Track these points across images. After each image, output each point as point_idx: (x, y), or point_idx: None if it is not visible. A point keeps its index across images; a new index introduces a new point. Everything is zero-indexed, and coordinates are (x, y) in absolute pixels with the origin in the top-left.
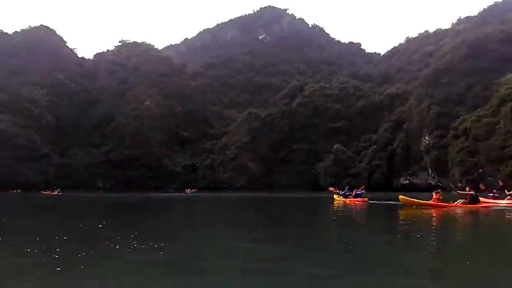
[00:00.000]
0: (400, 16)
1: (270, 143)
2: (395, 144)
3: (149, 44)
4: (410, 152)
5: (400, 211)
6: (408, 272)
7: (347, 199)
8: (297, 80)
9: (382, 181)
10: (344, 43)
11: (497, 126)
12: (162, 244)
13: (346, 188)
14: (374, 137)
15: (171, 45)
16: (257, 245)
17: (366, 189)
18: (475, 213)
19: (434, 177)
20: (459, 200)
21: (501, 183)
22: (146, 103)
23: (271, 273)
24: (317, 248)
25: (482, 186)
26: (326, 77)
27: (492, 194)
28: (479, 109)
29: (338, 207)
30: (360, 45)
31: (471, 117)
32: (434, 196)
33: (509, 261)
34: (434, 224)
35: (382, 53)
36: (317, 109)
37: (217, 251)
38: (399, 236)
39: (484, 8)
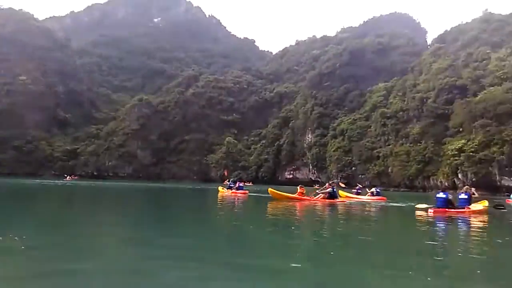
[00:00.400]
0: (291, 19)
1: (161, 132)
2: (282, 140)
3: (28, 13)
4: (295, 148)
5: (269, 203)
6: (281, 257)
7: (230, 191)
8: (192, 69)
9: (269, 174)
10: (239, 38)
11: (368, 129)
12: (24, 236)
13: (230, 181)
14: (264, 132)
15: (54, 16)
16: (138, 237)
17: (253, 181)
18: (332, 206)
19: (314, 173)
20: (320, 195)
21: (342, 185)
22: (21, 78)
23: (153, 263)
24: (202, 237)
25: (341, 184)
26: (220, 70)
27: (355, 190)
28: (354, 113)
29: (222, 198)
30: (254, 41)
31: (347, 120)
32: (298, 190)
33: (367, 255)
34: (298, 215)
35: (274, 52)
36: (211, 100)
37: (91, 245)
38: (276, 228)
39: (364, 21)
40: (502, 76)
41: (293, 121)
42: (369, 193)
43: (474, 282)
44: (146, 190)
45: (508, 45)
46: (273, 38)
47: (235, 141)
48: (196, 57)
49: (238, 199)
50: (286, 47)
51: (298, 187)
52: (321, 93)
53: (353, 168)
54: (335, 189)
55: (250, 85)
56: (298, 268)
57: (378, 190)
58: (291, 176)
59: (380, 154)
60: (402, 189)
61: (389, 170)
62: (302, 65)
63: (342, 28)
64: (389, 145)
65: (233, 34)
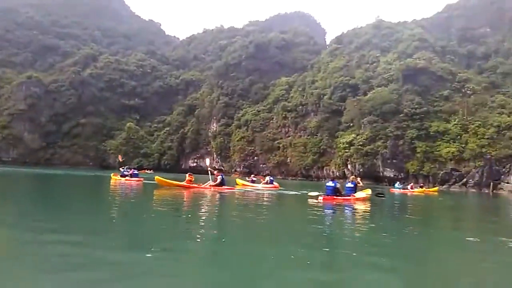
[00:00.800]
0: (200, 6)
1: (53, 114)
2: (186, 128)
3: None
4: (200, 136)
5: (156, 191)
6: (173, 244)
7: (124, 179)
8: (91, 48)
9: (172, 162)
10: (144, 19)
11: (271, 121)
12: None
13: (125, 168)
14: (168, 119)
15: None
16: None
17: (154, 169)
18: (221, 193)
19: (218, 161)
20: (208, 182)
21: (236, 175)
22: None
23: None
24: (93, 227)
25: (235, 174)
26: (122, 51)
27: (250, 179)
28: (258, 104)
29: (115, 186)
30: (160, 25)
31: (252, 111)
32: (187, 178)
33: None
34: (186, 202)
35: (181, 38)
36: (111, 83)
37: None
38: (165, 216)
39: (270, 16)
40: (388, 78)
41: (198, 109)
42: (264, 182)
43: (351, 263)
44: (29, 176)
45: (395, 51)
46: (180, 24)
47: (137, 127)
48: (95, 36)
49: (132, 186)
50: (193, 34)
51: (187, 175)
52: (227, 83)
53: (255, 158)
54: (223, 177)
55: (155, 70)
56: (190, 257)
57: (271, 178)
58: (195, 164)
59: (281, 145)
60: (299, 178)
61: (288, 160)
62: (209, 54)
63: (249, 21)
64: (289, 136)
65: (137, 15)
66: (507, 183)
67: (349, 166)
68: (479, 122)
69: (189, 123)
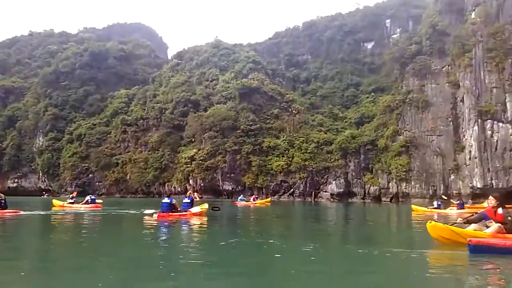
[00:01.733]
0: (24, 6)
1: None
2: (5, 143)
3: None
4: (22, 152)
5: None
6: None
7: None
8: None
9: None
10: None
11: (108, 136)
12: None
13: None
14: None
15: None
16: None
17: None
18: (1, 218)
19: (45, 181)
20: None
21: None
22: None
23: None
24: None
25: (71, 197)
26: None
27: (71, 200)
28: (94, 117)
29: None
30: None
31: (86, 124)
32: None
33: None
34: None
35: (0, 40)
36: None
37: None
38: None
39: (108, 24)
40: (227, 96)
41: (20, 121)
42: (83, 202)
43: (189, 279)
44: None
45: (232, 70)
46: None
47: None
48: None
49: None
50: (16, 36)
51: None
52: (57, 93)
53: (90, 175)
54: (5, 198)
55: None
56: None
57: (93, 197)
58: (15, 184)
59: (119, 161)
60: (139, 196)
61: (128, 177)
62: (35, 59)
63: (84, 28)
64: (128, 152)
65: None
66: (325, 192)
67: (191, 181)
68: (303, 138)
69: (9, 137)
